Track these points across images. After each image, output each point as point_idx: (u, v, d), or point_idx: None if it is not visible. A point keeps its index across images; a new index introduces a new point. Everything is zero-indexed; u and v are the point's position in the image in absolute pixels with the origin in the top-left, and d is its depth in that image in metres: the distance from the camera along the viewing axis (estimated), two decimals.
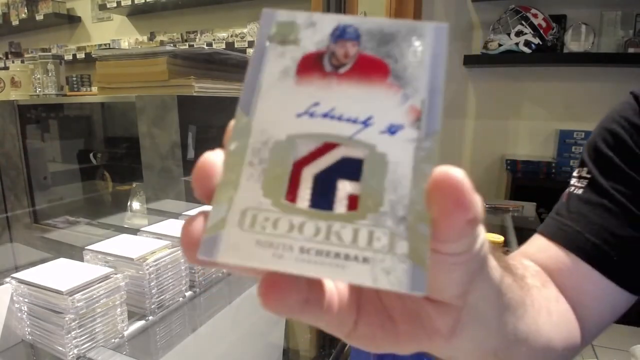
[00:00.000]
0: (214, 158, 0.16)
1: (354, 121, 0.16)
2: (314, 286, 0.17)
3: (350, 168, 0.16)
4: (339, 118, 0.16)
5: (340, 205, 0.16)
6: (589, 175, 0.44)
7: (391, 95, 0.17)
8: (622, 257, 0.40)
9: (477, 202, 0.16)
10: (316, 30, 0.17)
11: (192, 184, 0.17)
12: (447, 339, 0.21)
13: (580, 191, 0.44)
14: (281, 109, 0.17)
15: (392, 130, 0.16)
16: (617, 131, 0.43)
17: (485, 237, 0.19)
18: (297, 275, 0.15)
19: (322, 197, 0.16)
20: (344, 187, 0.16)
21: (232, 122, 0.17)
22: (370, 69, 0.17)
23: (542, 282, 0.39)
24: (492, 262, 0.22)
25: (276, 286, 0.15)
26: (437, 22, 0.17)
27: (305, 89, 0.17)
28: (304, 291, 0.16)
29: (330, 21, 0.17)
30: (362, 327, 0.20)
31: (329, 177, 0.16)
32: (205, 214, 0.16)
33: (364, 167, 0.16)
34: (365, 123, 0.16)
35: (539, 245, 0.45)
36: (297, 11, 0.18)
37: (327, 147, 0.16)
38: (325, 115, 0.16)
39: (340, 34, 0.17)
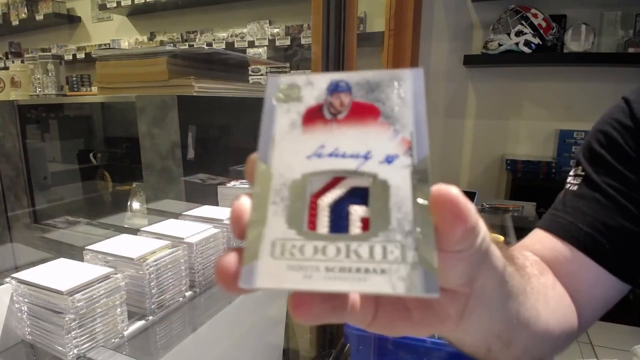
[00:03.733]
0: (243, 203, 0.19)
1: (356, 156, 0.19)
2: (339, 295, 0.20)
3: (359, 195, 0.19)
4: (343, 155, 0.19)
5: (355, 227, 0.18)
6: (583, 173, 0.47)
7: (384, 132, 0.19)
8: (614, 246, 0.43)
9: (473, 212, 0.18)
10: (314, 87, 0.21)
11: (230, 226, 0.20)
12: (456, 323, 0.24)
13: (575, 187, 0.47)
14: (293, 154, 0.19)
15: (389, 160, 0.19)
16: (609, 132, 0.46)
17: (486, 231, 0.21)
18: (325, 291, 0.17)
19: (338, 222, 0.18)
20: (356, 212, 0.19)
21: (250, 166, 0.20)
22: (364, 112, 0.20)
23: (539, 271, 0.41)
24: (496, 253, 0.24)
25: (302, 302, 0.18)
26: (413, 68, 0.20)
27: (311, 136, 0.20)
28: (329, 302, 0.19)
29: (325, 79, 0.20)
30: (381, 318, 0.23)
31: (342, 205, 0.19)
32: (235, 250, 0.18)
33: (370, 193, 0.19)
34: (366, 157, 0.19)
35: (537, 238, 0.48)
36: (297, 75, 0.21)
37: (336, 180, 0.19)
38: (331, 155, 0.19)
39: (334, 88, 0.20)
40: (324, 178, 0.19)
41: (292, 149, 0.20)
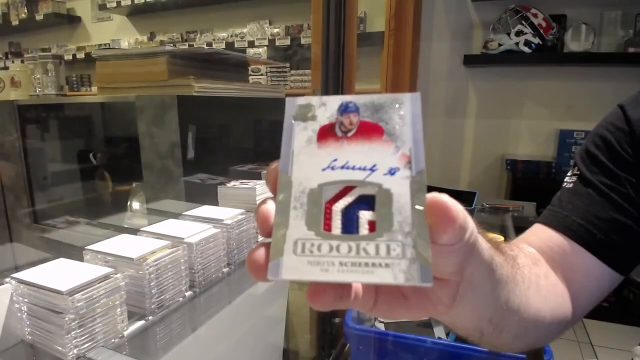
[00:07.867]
0: (268, 207, 0.23)
1: (364, 169, 0.23)
2: (345, 286, 0.24)
3: (366, 202, 0.22)
4: (353, 168, 0.23)
5: (363, 229, 0.22)
6: (578, 172, 0.51)
7: (387, 148, 0.23)
8: (606, 236, 0.46)
9: (462, 213, 0.22)
10: (327, 108, 0.24)
11: (257, 226, 0.23)
12: (449, 307, 0.27)
13: (570, 185, 0.51)
14: (310, 166, 0.23)
15: (391, 172, 0.22)
16: (604, 134, 0.49)
17: (473, 226, 0.24)
18: (339, 282, 0.21)
19: (349, 225, 0.22)
20: (364, 216, 0.22)
21: (272, 173, 0.23)
22: (370, 131, 0.23)
23: (533, 262, 0.44)
24: (484, 245, 0.27)
25: (317, 292, 0.22)
26: (412, 93, 0.24)
27: (325, 151, 0.23)
28: (337, 291, 0.23)
29: (336, 100, 0.24)
30: (381, 304, 0.27)
31: (352, 210, 0.22)
32: (263, 245, 0.22)
33: (376, 200, 0.22)
34: (372, 169, 0.23)
35: (534, 231, 0.51)
36: (312, 96, 0.24)
37: (347, 189, 0.22)
38: (342, 167, 0.23)
39: (344, 109, 0.24)
40: (337, 187, 0.23)
41: (309, 162, 0.23)
